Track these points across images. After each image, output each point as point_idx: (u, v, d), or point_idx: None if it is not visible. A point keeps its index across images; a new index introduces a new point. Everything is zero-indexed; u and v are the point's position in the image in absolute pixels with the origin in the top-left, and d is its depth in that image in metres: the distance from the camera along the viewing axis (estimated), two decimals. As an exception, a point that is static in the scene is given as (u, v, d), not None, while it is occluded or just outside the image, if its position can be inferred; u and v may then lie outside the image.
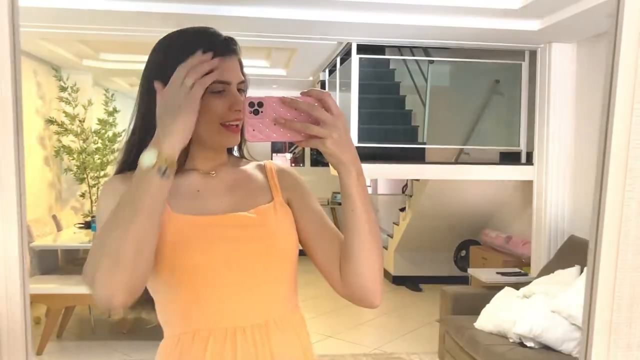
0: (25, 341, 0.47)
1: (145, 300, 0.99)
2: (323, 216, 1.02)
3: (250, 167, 1.07)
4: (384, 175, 5.64)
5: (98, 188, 5.89)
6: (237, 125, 0.95)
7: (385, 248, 6.40)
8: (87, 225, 4.81)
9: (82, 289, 4.05)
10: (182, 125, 0.83)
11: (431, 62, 4.89)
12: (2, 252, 0.45)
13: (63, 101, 5.68)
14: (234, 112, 0.93)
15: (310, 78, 6.20)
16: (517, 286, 3.43)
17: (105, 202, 0.91)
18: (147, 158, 0.82)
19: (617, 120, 0.45)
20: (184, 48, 0.91)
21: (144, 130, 0.94)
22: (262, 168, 1.07)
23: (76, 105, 5.72)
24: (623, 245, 0.46)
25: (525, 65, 4.40)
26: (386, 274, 6.34)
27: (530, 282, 3.44)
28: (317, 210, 1.03)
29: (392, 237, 6.21)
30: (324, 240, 0.99)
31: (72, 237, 4.51)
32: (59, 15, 3.56)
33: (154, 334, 1.01)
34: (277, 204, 1.00)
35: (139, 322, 4.22)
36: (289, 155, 10.91)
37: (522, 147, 4.46)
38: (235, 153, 1.09)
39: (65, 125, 5.64)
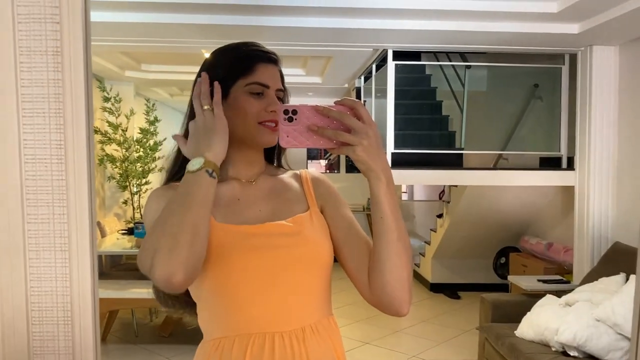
0: (94, 341, 0.50)
1: (186, 303, 1.04)
2: (354, 223, 1.04)
3: (286, 176, 1.10)
4: (420, 181, 5.62)
5: (140, 195, 6.05)
6: (275, 125, 0.99)
7: (423, 255, 6.35)
8: (130, 232, 4.94)
9: (125, 294, 4.17)
10: (219, 142, 0.93)
11: (468, 67, 4.85)
12: (75, 259, 0.49)
13: (106, 111, 5.86)
14: (270, 112, 0.99)
15: (346, 85, 6.23)
16: (558, 294, 3.36)
17: (153, 207, 0.97)
18: (196, 163, 0.90)
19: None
20: (229, 56, 1.02)
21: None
22: (297, 177, 1.11)
23: (119, 115, 5.89)
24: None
25: (565, 69, 4.32)
26: (424, 281, 6.29)
27: (572, 289, 3.36)
28: (348, 218, 1.05)
29: (429, 244, 6.15)
30: (354, 247, 1.01)
31: (116, 243, 4.64)
32: (102, 28, 3.70)
33: (195, 337, 1.04)
34: (313, 213, 1.03)
35: (181, 326, 4.31)
36: (323, 162, 10.96)
37: (563, 152, 4.37)
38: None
39: (108, 135, 5.82)
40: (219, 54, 1.05)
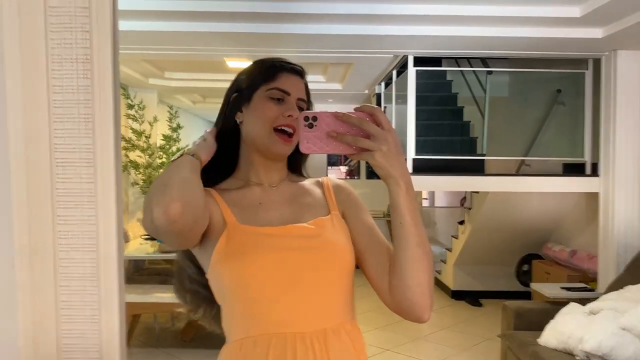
0: (120, 342, 0.52)
1: (205, 298, 1.07)
2: (374, 229, 1.05)
3: (308, 183, 1.13)
4: (442, 187, 5.59)
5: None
6: (289, 136, 1.02)
7: (444, 262, 6.30)
8: (153, 237, 5.00)
9: (148, 298, 4.22)
10: (205, 148, 1.01)
11: (489, 72, 4.82)
12: (102, 259, 0.50)
13: (130, 118, 5.96)
14: (287, 117, 1.01)
15: (366, 91, 6.24)
16: (583, 302, 3.30)
17: None
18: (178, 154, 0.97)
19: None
20: (255, 67, 1.09)
21: (220, 144, 1.07)
22: (319, 184, 1.13)
23: (142, 122, 5.98)
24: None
25: (588, 74, 4.27)
26: (445, 288, 6.23)
27: (597, 297, 3.31)
28: (369, 224, 1.06)
29: (450, 250, 6.11)
30: (375, 253, 1.02)
31: (139, 248, 4.70)
32: (126, 36, 3.77)
33: (216, 342, 1.06)
34: (334, 217, 1.05)
35: (202, 331, 4.35)
36: (344, 168, 10.96)
37: (587, 158, 4.31)
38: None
39: (132, 141, 5.91)
40: (250, 65, 1.10)
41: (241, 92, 1.06)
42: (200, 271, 1.05)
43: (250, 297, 0.96)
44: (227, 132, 1.07)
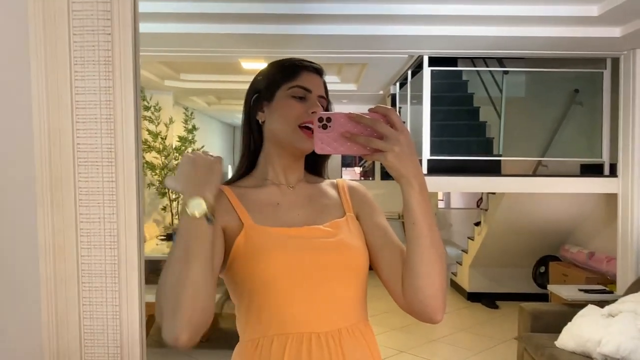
0: (140, 338, 0.53)
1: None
2: (388, 230, 1.06)
3: (324, 184, 1.14)
4: (457, 188, 5.56)
5: (178, 202, 6.17)
6: (311, 129, 1.02)
7: (460, 263, 6.27)
8: (169, 237, 5.05)
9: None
10: (217, 182, 0.93)
11: (506, 72, 4.78)
12: (123, 256, 0.52)
13: (146, 119, 6.01)
14: (311, 114, 1.02)
15: (381, 92, 6.23)
16: (601, 304, 3.26)
17: None
18: (196, 205, 0.87)
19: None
20: (275, 66, 1.09)
21: (245, 145, 1.11)
22: (334, 185, 1.14)
23: (158, 124, 6.04)
24: None
25: (607, 74, 4.22)
26: (461, 290, 6.20)
27: (615, 300, 3.27)
28: (382, 225, 1.07)
29: (466, 252, 6.07)
30: (388, 254, 1.02)
31: (155, 248, 4.75)
32: (142, 38, 3.79)
33: (232, 341, 1.07)
34: (350, 219, 1.06)
35: (218, 330, 4.37)
36: (358, 169, 10.95)
37: (605, 159, 4.25)
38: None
39: (148, 143, 5.97)
40: (268, 66, 1.11)
41: (262, 92, 1.07)
42: None
43: (268, 298, 0.97)
44: (249, 132, 1.09)
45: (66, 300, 0.51)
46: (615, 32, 3.53)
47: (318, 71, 1.08)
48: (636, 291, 3.28)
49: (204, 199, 0.88)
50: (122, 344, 0.52)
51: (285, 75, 1.05)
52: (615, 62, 4.09)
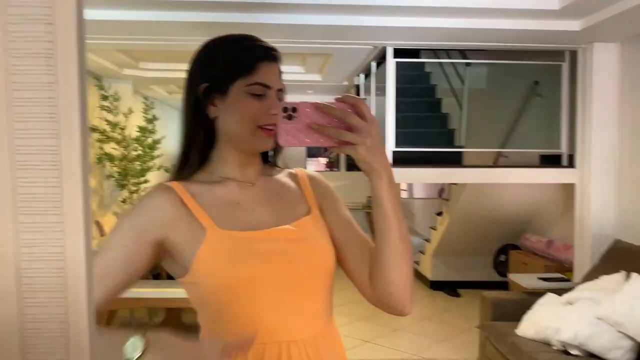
0: (90, 342, 0.49)
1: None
2: (352, 223, 1.03)
3: (283, 176, 1.07)
4: (420, 179, 5.60)
5: (139, 194, 6.03)
6: (272, 129, 0.96)
7: (422, 253, 6.34)
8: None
9: (124, 293, 4.14)
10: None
11: (468, 64, 4.83)
12: (71, 269, 0.47)
13: (105, 109, 5.84)
14: (271, 115, 0.94)
15: (345, 82, 6.21)
16: (559, 292, 3.34)
17: (133, 216, 0.93)
18: (133, 347, 0.70)
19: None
20: (227, 51, 0.97)
21: (189, 137, 0.99)
22: (293, 176, 1.08)
23: (117, 114, 5.87)
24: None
25: (565, 66, 4.30)
26: (423, 279, 6.28)
27: (573, 288, 3.35)
28: (346, 217, 1.03)
29: (429, 241, 6.15)
30: (354, 247, 0.99)
31: (115, 242, 4.62)
32: (100, 26, 3.67)
33: (195, 336, 1.02)
34: (316, 216, 1.01)
35: (180, 326, 4.30)
36: (323, 160, 10.93)
37: (564, 150, 4.35)
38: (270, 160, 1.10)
39: (107, 133, 5.80)
40: (215, 47, 0.99)
41: (213, 84, 0.96)
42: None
43: (238, 307, 0.91)
44: (197, 124, 0.98)
45: (5, 317, 0.46)
46: (574, 25, 3.59)
47: (275, 58, 0.99)
48: (592, 279, 3.37)
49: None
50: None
51: (242, 69, 0.95)
52: (574, 55, 4.17)
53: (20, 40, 0.47)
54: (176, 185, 0.96)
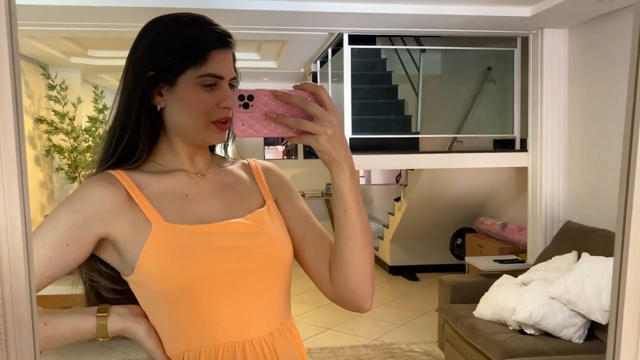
0: (33, 341, 0.45)
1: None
2: (310, 216, 0.99)
3: (235, 167, 1.02)
4: (377, 166, 5.63)
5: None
6: (225, 123, 0.91)
7: (381, 238, 6.41)
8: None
9: (78, 290, 4.02)
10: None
11: (423, 50, 4.87)
12: (7, 272, 0.43)
13: (52, 99, 5.61)
14: (223, 109, 0.89)
15: (302, 70, 6.16)
16: (514, 273, 3.43)
17: (73, 208, 0.85)
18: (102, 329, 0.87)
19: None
20: (176, 36, 0.89)
21: (133, 126, 0.91)
22: (246, 167, 1.03)
23: (65, 104, 5.65)
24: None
25: (517, 52, 4.39)
26: (382, 264, 6.35)
27: (527, 269, 3.45)
28: (303, 210, 0.99)
29: (387, 227, 6.21)
30: (313, 242, 0.96)
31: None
32: (45, 12, 3.50)
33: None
34: (271, 208, 0.97)
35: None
36: (281, 148, 10.87)
37: (516, 134, 4.45)
38: (220, 152, 1.05)
39: (55, 124, 5.58)
40: (161, 32, 0.90)
41: (159, 72, 0.88)
42: (114, 277, 0.92)
43: (190, 305, 0.85)
44: (141, 113, 0.90)
45: None
46: (525, 11, 3.66)
47: (229, 44, 0.92)
48: (545, 259, 3.48)
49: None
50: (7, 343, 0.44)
51: (193, 57, 0.87)
52: (525, 41, 4.26)
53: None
54: (120, 174, 0.89)
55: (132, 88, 0.90)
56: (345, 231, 0.87)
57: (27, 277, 0.46)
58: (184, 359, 0.87)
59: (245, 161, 1.04)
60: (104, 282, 0.93)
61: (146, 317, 0.89)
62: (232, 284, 0.88)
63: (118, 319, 0.87)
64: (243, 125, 0.80)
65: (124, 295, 0.92)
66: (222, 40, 0.91)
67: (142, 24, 0.95)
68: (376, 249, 6.63)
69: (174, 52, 0.88)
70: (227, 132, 0.94)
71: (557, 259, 3.34)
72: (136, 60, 0.91)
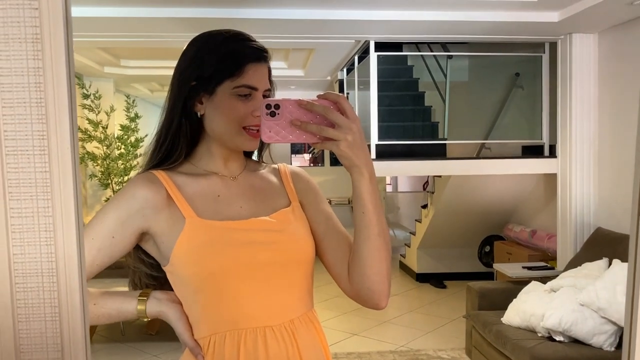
0: (85, 342, 0.49)
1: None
2: (332, 217, 1.06)
3: (266, 171, 1.11)
4: (404, 172, 5.63)
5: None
6: (257, 131, 0.98)
7: (408, 245, 6.39)
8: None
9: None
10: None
11: (450, 57, 4.86)
12: (61, 254, 0.47)
13: (86, 108, 5.78)
14: (256, 117, 0.97)
15: (329, 77, 6.21)
16: (543, 280, 3.40)
17: (118, 205, 0.96)
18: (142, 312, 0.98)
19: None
20: (216, 50, 0.98)
21: (175, 130, 1.01)
22: (276, 171, 1.11)
23: (99, 112, 5.81)
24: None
25: (545, 57, 4.36)
26: (409, 271, 6.32)
27: (556, 276, 3.41)
28: (327, 212, 1.07)
29: (414, 234, 6.19)
30: (333, 242, 1.03)
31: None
32: (80, 23, 3.64)
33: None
34: (295, 208, 1.05)
35: (167, 323, 4.29)
36: (307, 156, 10.93)
37: (545, 140, 4.41)
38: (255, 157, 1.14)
39: (88, 132, 5.74)
40: (204, 46, 1.00)
41: (201, 82, 0.98)
42: (154, 266, 1.03)
43: (216, 294, 0.94)
44: (183, 118, 1.00)
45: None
46: (553, 17, 3.63)
47: (265, 58, 1.01)
48: (575, 266, 3.43)
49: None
50: (62, 347, 0.48)
51: (230, 70, 0.96)
52: (553, 46, 4.22)
53: (5, 26, 0.47)
54: (161, 175, 0.99)
55: (177, 96, 1.00)
56: (363, 232, 0.94)
57: (79, 266, 0.50)
58: (211, 341, 0.96)
59: (276, 165, 1.13)
60: (145, 269, 1.03)
61: (180, 303, 0.98)
62: (255, 275, 0.96)
63: (155, 303, 0.97)
64: (270, 132, 0.87)
65: (162, 282, 1.03)
66: (258, 55, 0.99)
67: (173, 34, 1.03)
68: (403, 256, 6.61)
69: (214, 64, 0.97)
70: (258, 140, 1.02)
71: (587, 266, 3.29)
72: (181, 71, 1.00)
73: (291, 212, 1.03)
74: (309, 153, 9.69)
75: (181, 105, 0.99)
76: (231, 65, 0.96)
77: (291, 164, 1.16)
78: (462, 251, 5.93)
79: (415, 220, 6.30)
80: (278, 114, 0.86)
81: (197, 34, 1.03)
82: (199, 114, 1.00)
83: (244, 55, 0.97)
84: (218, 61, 0.97)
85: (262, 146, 1.10)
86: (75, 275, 0.49)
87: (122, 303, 0.96)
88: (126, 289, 1.07)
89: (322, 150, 8.40)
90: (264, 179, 1.08)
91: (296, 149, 9.27)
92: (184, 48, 1.03)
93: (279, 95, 0.91)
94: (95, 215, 0.96)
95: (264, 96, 1.00)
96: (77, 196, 0.49)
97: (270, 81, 1.03)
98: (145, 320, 0.97)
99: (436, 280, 5.95)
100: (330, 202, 7.37)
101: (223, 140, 1.01)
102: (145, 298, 0.97)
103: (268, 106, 0.86)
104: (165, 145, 1.01)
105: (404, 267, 6.59)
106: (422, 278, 6.04)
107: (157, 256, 1.00)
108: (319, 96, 0.87)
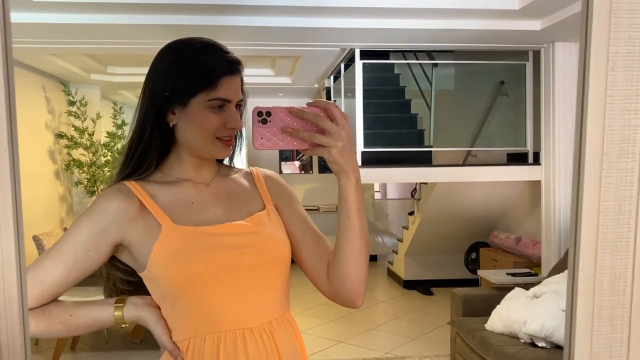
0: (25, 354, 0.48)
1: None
2: (308, 220, 1.09)
3: (238, 176, 1.12)
4: (390, 179, 5.66)
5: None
6: (229, 140, 1.01)
7: (395, 252, 6.39)
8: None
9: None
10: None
11: (435, 65, 4.90)
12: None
13: (72, 115, 5.75)
14: (229, 128, 0.99)
15: (316, 85, 6.23)
16: (527, 287, 3.41)
17: (92, 218, 0.97)
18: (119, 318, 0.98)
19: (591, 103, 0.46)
20: (190, 62, 0.98)
21: (147, 140, 1.01)
22: (249, 175, 1.13)
23: (85, 119, 5.78)
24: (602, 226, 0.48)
25: (529, 65, 4.40)
26: (397, 278, 6.33)
27: (540, 282, 3.42)
28: (302, 214, 1.09)
29: (402, 241, 6.20)
30: (310, 243, 1.05)
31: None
32: (66, 30, 3.63)
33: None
34: (270, 211, 1.06)
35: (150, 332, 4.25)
36: (297, 163, 10.93)
37: (529, 147, 4.45)
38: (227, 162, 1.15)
39: (74, 139, 5.71)
40: (177, 58, 0.99)
41: (174, 94, 0.98)
42: (129, 271, 1.03)
43: (197, 297, 0.96)
44: (155, 128, 1.00)
45: None
46: (535, 25, 3.68)
47: (238, 70, 1.01)
48: (558, 272, 3.45)
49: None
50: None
51: (205, 83, 0.96)
52: (537, 54, 4.27)
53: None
54: (133, 185, 1.00)
55: (149, 106, 1.00)
56: (347, 234, 0.97)
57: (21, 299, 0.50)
58: (190, 343, 0.97)
59: (249, 170, 1.14)
60: (120, 275, 1.04)
61: (158, 307, 0.99)
62: (233, 278, 0.97)
63: (132, 308, 0.98)
64: (262, 139, 0.89)
65: (137, 287, 1.04)
66: (232, 68, 1.00)
67: (159, 42, 1.03)
68: (390, 263, 6.61)
69: (188, 77, 0.97)
70: (230, 148, 1.04)
71: (569, 272, 3.31)
72: (154, 82, 1.00)
73: (266, 215, 1.05)
74: (298, 160, 9.70)
75: (153, 115, 0.99)
76: (206, 79, 0.97)
77: (281, 171, 1.18)
78: (448, 258, 5.95)
79: (403, 227, 6.32)
80: (269, 121, 0.89)
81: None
82: (171, 124, 1.00)
83: (218, 68, 0.97)
84: (192, 74, 0.97)
85: (234, 152, 1.10)
86: (14, 283, 0.48)
87: (98, 311, 0.97)
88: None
89: (311, 158, 8.40)
90: (237, 184, 1.10)
91: (285, 156, 9.27)
92: (154, 58, 1.02)
93: (265, 102, 0.93)
94: (68, 228, 0.97)
95: (237, 106, 1.01)
96: (16, 202, 0.48)
97: (243, 91, 1.04)
98: (124, 326, 0.97)
99: (423, 287, 5.96)
100: (318, 209, 7.38)
101: (195, 150, 1.01)
102: (121, 304, 0.97)
103: (260, 113, 0.88)
104: (136, 156, 1.01)
105: (391, 274, 6.59)
106: (410, 285, 6.04)
107: (132, 264, 1.00)
108: (309, 104, 0.90)
